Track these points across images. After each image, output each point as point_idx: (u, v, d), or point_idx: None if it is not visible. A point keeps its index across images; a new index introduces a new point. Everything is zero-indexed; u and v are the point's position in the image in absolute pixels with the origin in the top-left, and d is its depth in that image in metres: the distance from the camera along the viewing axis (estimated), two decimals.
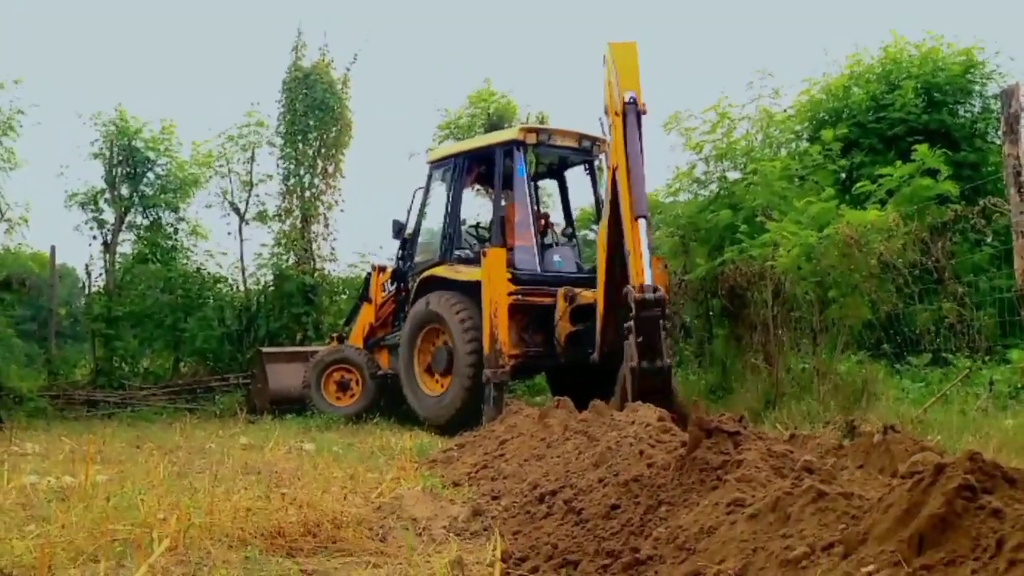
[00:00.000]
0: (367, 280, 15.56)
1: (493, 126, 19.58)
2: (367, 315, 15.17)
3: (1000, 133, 8.01)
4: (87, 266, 19.96)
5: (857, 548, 2.59)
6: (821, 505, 3.00)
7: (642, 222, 9.39)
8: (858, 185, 11.29)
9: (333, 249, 20.01)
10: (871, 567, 2.44)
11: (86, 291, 20.31)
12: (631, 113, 9.79)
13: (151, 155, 19.83)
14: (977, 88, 15.32)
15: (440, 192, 13.81)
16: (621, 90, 9.90)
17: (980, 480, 2.47)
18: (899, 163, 10.66)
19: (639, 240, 9.27)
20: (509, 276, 12.05)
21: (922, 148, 10.47)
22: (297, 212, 19.59)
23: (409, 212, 14.26)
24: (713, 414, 4.70)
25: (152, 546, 4.22)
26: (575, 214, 15.17)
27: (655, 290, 8.88)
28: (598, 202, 13.62)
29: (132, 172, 19.62)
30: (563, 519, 4.56)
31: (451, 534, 5.03)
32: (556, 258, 13.09)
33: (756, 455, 3.89)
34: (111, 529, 4.60)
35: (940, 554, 2.31)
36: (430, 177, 14.04)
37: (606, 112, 10.60)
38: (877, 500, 2.77)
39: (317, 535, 4.69)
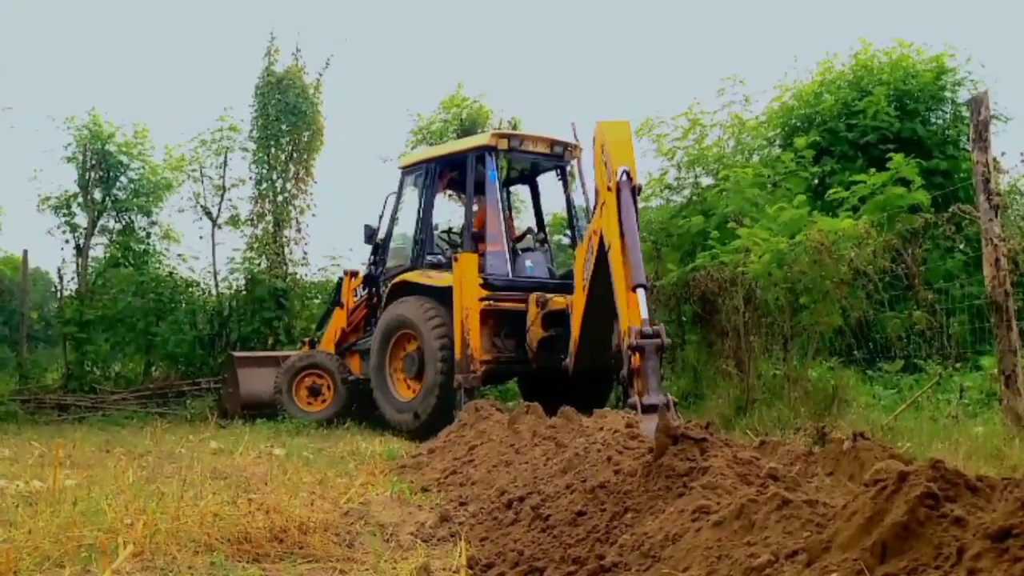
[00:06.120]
0: (339, 285, 15.50)
1: (466, 131, 19.57)
2: (339, 320, 15.12)
3: (970, 140, 8.03)
4: (59, 270, 19.90)
5: (821, 556, 2.59)
6: (786, 513, 3.00)
7: (641, 291, 8.66)
8: (831, 191, 11.34)
9: (305, 253, 19.89)
10: (834, 575, 2.44)
11: (58, 295, 20.20)
12: (625, 188, 9.30)
13: (124, 159, 19.82)
14: (948, 95, 15.38)
15: (412, 197, 13.77)
16: (614, 165, 9.46)
17: (943, 488, 2.48)
18: (873, 171, 10.71)
19: (637, 308, 8.53)
20: (481, 282, 12.05)
21: (897, 157, 10.53)
22: (269, 216, 19.48)
23: (381, 217, 14.22)
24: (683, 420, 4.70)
25: (117, 552, 4.19)
26: (547, 219, 15.11)
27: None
28: (570, 207, 13.67)
29: (105, 176, 19.57)
30: (530, 525, 4.55)
31: (418, 540, 5.01)
32: (528, 263, 13.05)
33: (722, 462, 3.89)
34: (77, 534, 4.56)
35: (903, 562, 2.31)
36: (402, 182, 14.00)
37: (597, 192, 10.17)
38: (841, 508, 2.78)
39: (284, 541, 4.66)
